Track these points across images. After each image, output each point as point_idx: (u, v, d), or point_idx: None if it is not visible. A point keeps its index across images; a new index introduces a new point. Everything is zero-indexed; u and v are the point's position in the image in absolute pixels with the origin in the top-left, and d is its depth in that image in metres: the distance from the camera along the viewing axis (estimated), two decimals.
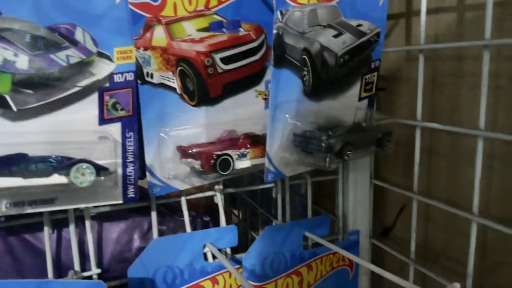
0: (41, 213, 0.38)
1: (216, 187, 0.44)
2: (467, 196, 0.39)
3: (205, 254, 0.44)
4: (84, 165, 0.29)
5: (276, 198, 0.48)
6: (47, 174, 0.29)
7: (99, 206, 0.40)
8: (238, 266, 0.45)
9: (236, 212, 0.87)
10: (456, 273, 0.46)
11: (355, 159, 0.45)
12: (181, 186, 0.40)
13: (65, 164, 0.29)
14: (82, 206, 0.34)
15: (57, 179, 0.29)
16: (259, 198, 0.74)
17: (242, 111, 0.42)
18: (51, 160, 0.29)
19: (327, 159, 0.37)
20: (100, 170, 0.31)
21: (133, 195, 0.36)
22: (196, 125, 0.39)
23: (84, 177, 0.30)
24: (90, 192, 0.34)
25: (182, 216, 0.44)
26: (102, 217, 0.42)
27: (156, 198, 0.42)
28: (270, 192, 0.64)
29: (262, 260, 0.43)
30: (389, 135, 0.42)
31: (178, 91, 0.38)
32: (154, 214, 0.41)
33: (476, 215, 0.38)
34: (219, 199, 0.44)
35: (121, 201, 0.35)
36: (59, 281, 0.31)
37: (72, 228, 0.38)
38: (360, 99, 0.45)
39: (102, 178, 0.31)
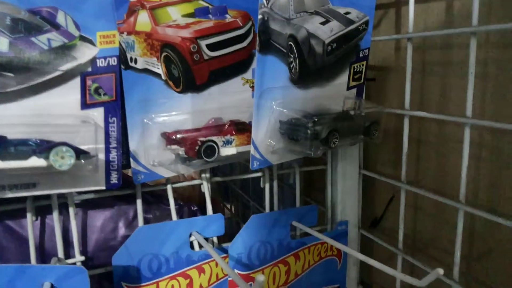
0: (24, 200, 0.38)
1: (203, 175, 0.44)
2: (455, 185, 0.39)
3: (191, 243, 0.43)
4: (64, 148, 0.29)
5: (264, 188, 0.47)
6: (26, 156, 0.28)
7: (83, 193, 0.39)
8: (225, 255, 0.44)
9: (228, 206, 0.87)
10: (444, 262, 0.45)
11: (342, 147, 0.45)
12: (166, 173, 0.40)
13: (44, 147, 0.29)
14: (64, 191, 0.34)
15: (35, 161, 0.28)
16: (251, 191, 0.74)
17: (228, 99, 0.41)
18: (31, 143, 0.29)
19: (313, 146, 0.37)
20: (80, 153, 0.30)
21: (116, 181, 0.35)
22: (182, 112, 0.39)
23: (63, 160, 0.29)
24: (72, 177, 0.34)
25: (169, 204, 0.44)
26: (86, 205, 0.42)
27: (142, 185, 0.42)
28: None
29: (248, 249, 0.43)
30: (377, 123, 0.42)
31: (163, 77, 0.37)
32: (139, 202, 0.41)
33: (463, 203, 0.38)
34: (205, 188, 0.44)
35: (103, 187, 0.35)
36: (39, 266, 0.31)
37: (55, 215, 0.38)
38: (349, 88, 0.44)
39: (82, 161, 0.31)
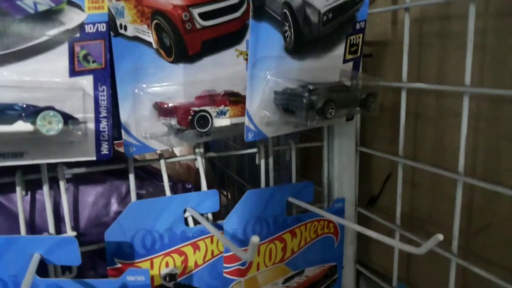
0: (13, 173, 0.37)
1: (197, 150, 0.43)
2: (453, 159, 0.38)
3: (185, 219, 0.43)
4: (51, 113, 0.28)
5: (260, 165, 0.46)
6: (12, 121, 0.27)
7: (74, 166, 0.38)
8: (221, 231, 0.44)
9: (225, 192, 0.86)
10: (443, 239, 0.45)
11: (338, 119, 0.44)
12: (158, 146, 0.39)
13: (31, 111, 0.28)
14: (52, 160, 0.33)
15: (22, 126, 0.27)
16: (248, 177, 0.74)
17: (222, 71, 0.40)
18: (16, 107, 0.28)
19: (309, 116, 0.36)
20: (68, 119, 0.29)
21: (107, 152, 0.35)
22: (174, 83, 0.38)
23: (50, 125, 0.28)
24: (61, 147, 0.33)
25: (162, 181, 0.43)
26: (77, 180, 0.41)
27: (134, 161, 0.41)
28: (258, 171, 0.63)
29: (243, 224, 0.42)
30: (374, 96, 0.41)
31: (154, 45, 0.36)
32: (132, 177, 0.40)
33: (461, 175, 0.37)
34: (199, 163, 0.43)
35: (94, 158, 0.34)
36: (28, 237, 0.30)
37: (45, 188, 0.37)
38: (345, 61, 0.44)
39: (70, 127, 0.30)
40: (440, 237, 0.27)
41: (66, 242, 0.31)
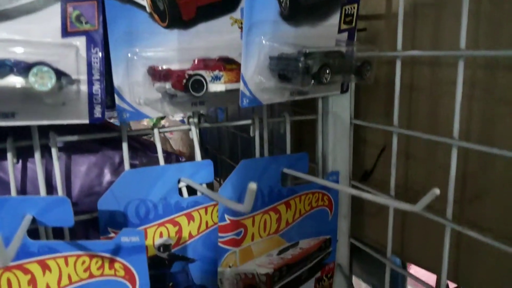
0: (4, 139, 0.36)
1: (191, 120, 0.42)
2: (448, 128, 0.38)
3: (179, 190, 0.42)
4: (44, 68, 0.28)
5: (254, 137, 0.46)
6: (3, 75, 0.27)
7: (66, 132, 0.38)
8: (214, 203, 0.43)
9: (218, 179, 0.86)
10: (436, 209, 0.45)
11: (333, 85, 0.44)
12: (152, 113, 0.38)
13: (22, 66, 0.27)
14: (45, 122, 0.32)
15: (13, 80, 0.27)
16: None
17: (216, 38, 0.40)
18: (8, 62, 0.27)
19: (304, 81, 0.36)
20: (61, 75, 0.29)
21: (99, 116, 0.34)
22: (168, 49, 0.37)
23: (43, 80, 0.28)
24: (53, 108, 0.32)
25: (155, 152, 0.43)
26: (70, 149, 0.40)
27: (128, 130, 0.41)
28: (251, 155, 0.63)
29: (238, 194, 0.42)
30: (369, 64, 0.41)
31: (148, 9, 0.36)
32: (125, 146, 0.40)
33: (456, 139, 0.37)
34: (194, 133, 0.43)
35: (87, 120, 0.34)
36: (19, 197, 0.30)
37: (37, 156, 0.37)
38: (340, 31, 0.43)
39: (63, 83, 0.29)
40: (437, 191, 0.27)
41: (58, 203, 0.30)
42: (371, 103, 0.51)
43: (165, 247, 0.42)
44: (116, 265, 0.32)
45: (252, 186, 0.22)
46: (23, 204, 0.30)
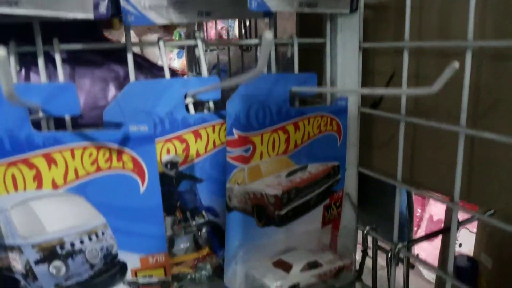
0: (6, 42, 0.35)
1: (197, 33, 0.41)
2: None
3: (186, 107, 0.41)
4: None
5: None
6: None
7: (71, 43, 0.37)
8: (222, 121, 0.43)
9: None
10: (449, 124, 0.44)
11: None
12: (157, 19, 0.37)
13: None
14: (48, 13, 0.31)
15: None
16: None
17: None
18: None
19: None
20: None
21: (104, 11, 0.33)
22: None
23: None
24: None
25: (160, 70, 0.42)
26: (74, 61, 0.39)
27: (132, 43, 0.39)
28: None
29: (246, 108, 0.41)
30: None
31: None
32: (130, 57, 0.39)
33: (470, 41, 0.36)
34: (200, 48, 0.42)
35: (91, 15, 0.32)
36: (24, 84, 0.29)
37: (41, 62, 0.35)
38: None
39: None
40: (456, 64, 0.26)
41: (64, 89, 0.29)
42: (380, 26, 0.50)
43: (173, 164, 0.41)
44: (125, 157, 0.32)
45: (267, 35, 0.21)
46: (28, 92, 0.29)
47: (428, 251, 1.96)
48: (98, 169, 0.32)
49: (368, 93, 0.33)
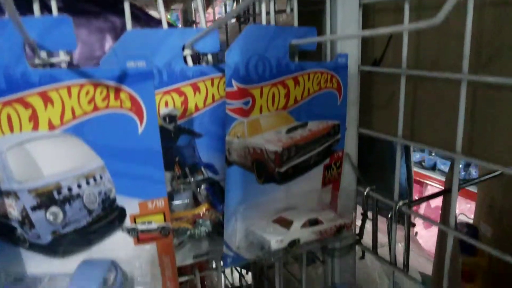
0: None
1: None
2: None
3: (184, 59, 0.41)
4: None
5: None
6: None
7: None
8: (221, 74, 0.42)
9: None
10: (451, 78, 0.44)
11: None
12: None
13: None
14: None
15: None
16: None
17: None
18: None
19: None
20: None
21: None
22: None
23: None
24: None
25: (159, 23, 0.41)
26: (69, 10, 0.38)
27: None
28: None
29: (245, 60, 0.40)
30: None
31: None
32: (127, 6, 0.38)
33: None
34: (198, 2, 0.41)
35: None
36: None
37: (36, 9, 0.35)
38: None
39: None
40: None
41: (60, 22, 0.28)
42: None
43: (171, 117, 0.41)
44: (122, 95, 0.31)
45: None
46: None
47: (426, 237, 1.97)
48: (96, 108, 0.31)
49: (369, 35, 0.32)
